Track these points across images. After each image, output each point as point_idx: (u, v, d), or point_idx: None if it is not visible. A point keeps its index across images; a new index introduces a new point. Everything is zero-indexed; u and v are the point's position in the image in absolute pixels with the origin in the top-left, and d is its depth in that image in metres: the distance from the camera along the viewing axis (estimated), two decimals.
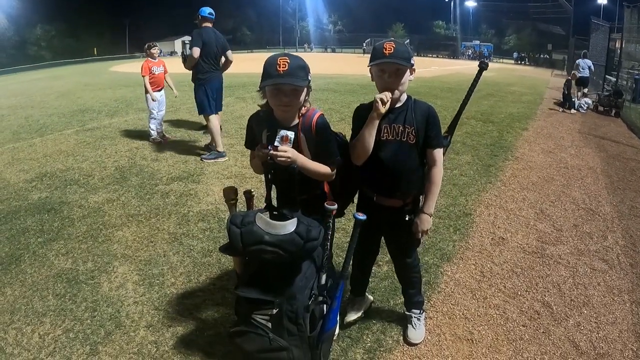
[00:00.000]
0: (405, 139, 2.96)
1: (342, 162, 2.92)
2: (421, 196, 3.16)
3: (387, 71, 2.86)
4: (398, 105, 2.99)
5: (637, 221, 5.88)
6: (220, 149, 8.21)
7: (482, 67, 3.47)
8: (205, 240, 5.03)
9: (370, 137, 2.93)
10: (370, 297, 3.86)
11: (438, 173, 3.05)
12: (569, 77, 16.51)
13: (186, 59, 8.04)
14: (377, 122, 2.89)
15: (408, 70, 2.88)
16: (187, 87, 8.16)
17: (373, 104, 2.85)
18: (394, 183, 3.06)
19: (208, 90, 8.09)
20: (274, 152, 2.53)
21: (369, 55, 2.94)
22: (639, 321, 3.80)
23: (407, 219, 3.16)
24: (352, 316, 3.62)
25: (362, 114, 2.96)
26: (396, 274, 3.62)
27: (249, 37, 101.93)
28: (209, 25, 8.09)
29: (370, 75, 3.02)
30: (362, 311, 3.70)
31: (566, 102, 15.68)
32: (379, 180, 3.12)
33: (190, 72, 8.25)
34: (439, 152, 3.04)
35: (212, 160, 8.02)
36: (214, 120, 8.18)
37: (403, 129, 2.96)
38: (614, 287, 4.31)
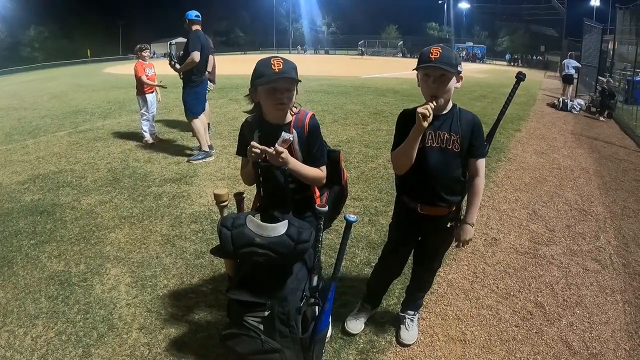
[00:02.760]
0: (451, 147, 2.91)
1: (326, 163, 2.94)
2: (462, 204, 3.15)
3: (432, 76, 2.78)
4: (444, 112, 2.93)
5: (630, 221, 5.91)
6: (206, 148, 8.28)
7: (520, 77, 3.41)
8: (198, 242, 5.02)
9: (413, 150, 2.85)
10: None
11: (481, 183, 3.04)
12: (605, 86, 16.24)
13: (176, 62, 8.09)
14: (420, 136, 2.79)
15: (454, 77, 2.81)
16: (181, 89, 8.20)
17: (416, 115, 2.73)
18: (437, 191, 3.01)
19: (199, 92, 8.21)
20: (274, 150, 2.54)
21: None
22: (632, 321, 3.82)
23: (448, 225, 3.15)
24: (354, 329, 3.61)
25: (408, 120, 2.85)
26: (414, 276, 3.58)
27: (242, 38, 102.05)
28: (199, 28, 8.17)
29: (417, 79, 2.94)
30: (364, 324, 3.70)
31: (604, 110, 15.14)
32: (421, 189, 3.06)
33: (174, 72, 8.33)
34: (482, 162, 3.01)
35: (201, 161, 8.07)
36: (199, 122, 8.25)
37: (449, 137, 2.90)
38: (607, 287, 4.33)
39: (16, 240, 5.07)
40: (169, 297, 4.00)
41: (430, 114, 2.66)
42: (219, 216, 2.80)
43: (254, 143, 2.59)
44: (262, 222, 2.54)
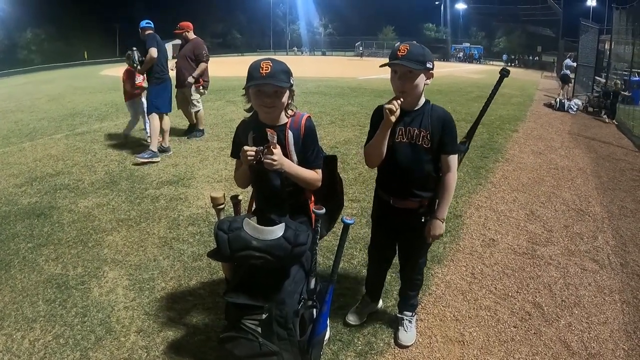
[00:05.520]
0: (420, 142, 2.96)
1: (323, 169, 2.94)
2: (437, 200, 3.17)
3: (399, 72, 2.85)
4: (415, 108, 2.99)
5: (627, 221, 5.91)
6: (155, 149, 8.34)
7: (503, 74, 3.46)
8: (196, 244, 5.01)
9: (382, 145, 2.95)
10: (380, 303, 3.90)
11: (452, 179, 3.04)
12: (615, 89, 16.15)
13: (138, 65, 8.46)
14: (388, 131, 2.89)
15: (423, 74, 2.86)
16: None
17: (383, 110, 2.83)
18: (408, 186, 3.07)
19: (160, 90, 8.37)
20: (262, 153, 2.55)
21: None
22: (630, 321, 3.82)
23: (422, 220, 3.17)
24: (356, 320, 3.66)
25: (381, 115, 2.91)
26: (401, 274, 3.62)
27: (239, 40, 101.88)
28: (151, 31, 8.42)
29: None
30: (366, 316, 3.73)
31: (612, 112, 14.89)
32: (393, 183, 3.15)
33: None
34: (453, 159, 3.03)
35: (147, 159, 8.10)
36: (157, 121, 8.40)
37: (418, 133, 2.95)
38: (605, 287, 4.33)
39: (13, 244, 5.05)
40: (167, 300, 3.99)
41: (396, 109, 2.76)
42: (217, 219, 2.80)
43: (246, 147, 2.60)
44: (258, 225, 2.54)
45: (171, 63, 8.95)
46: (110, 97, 17.59)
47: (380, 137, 2.92)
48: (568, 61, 20.04)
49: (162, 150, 8.62)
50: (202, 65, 9.58)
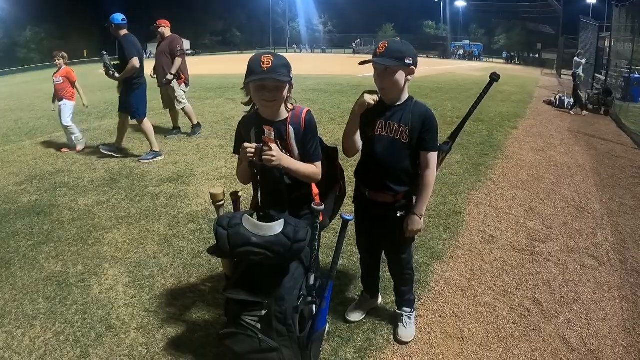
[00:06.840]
0: (399, 137, 2.99)
1: (323, 160, 2.96)
2: (414, 196, 3.18)
3: (378, 70, 2.90)
4: (398, 104, 3.02)
5: (627, 218, 5.91)
6: (157, 148, 8.37)
7: (494, 78, 3.47)
8: (196, 241, 5.02)
9: (352, 132, 3.03)
10: (380, 299, 3.90)
11: (430, 176, 3.06)
12: (577, 82, 16.23)
13: (114, 71, 8.23)
14: (357, 116, 2.96)
15: (401, 70, 2.88)
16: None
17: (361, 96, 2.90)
18: (383, 178, 3.09)
19: (141, 94, 8.27)
20: (263, 148, 2.56)
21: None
22: (629, 317, 3.82)
23: (398, 215, 3.18)
24: (355, 316, 3.67)
25: (368, 109, 2.95)
26: (389, 270, 3.63)
27: (238, 38, 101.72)
28: (126, 32, 8.23)
29: None
30: (366, 312, 3.74)
31: (577, 103, 15.26)
32: (369, 175, 3.19)
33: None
34: (432, 156, 3.05)
35: (151, 160, 8.12)
36: (148, 123, 8.33)
37: (398, 127, 2.98)
38: (604, 284, 4.33)
39: (14, 242, 5.06)
40: (167, 296, 4.00)
41: (373, 102, 2.86)
42: (216, 215, 2.81)
43: (246, 144, 2.61)
44: (258, 222, 2.55)
45: (149, 65, 8.84)
46: (110, 95, 17.51)
47: (350, 123, 3.00)
48: (577, 59, 19.96)
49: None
50: (177, 61, 9.58)
